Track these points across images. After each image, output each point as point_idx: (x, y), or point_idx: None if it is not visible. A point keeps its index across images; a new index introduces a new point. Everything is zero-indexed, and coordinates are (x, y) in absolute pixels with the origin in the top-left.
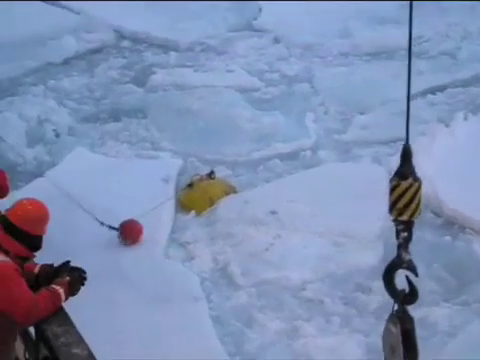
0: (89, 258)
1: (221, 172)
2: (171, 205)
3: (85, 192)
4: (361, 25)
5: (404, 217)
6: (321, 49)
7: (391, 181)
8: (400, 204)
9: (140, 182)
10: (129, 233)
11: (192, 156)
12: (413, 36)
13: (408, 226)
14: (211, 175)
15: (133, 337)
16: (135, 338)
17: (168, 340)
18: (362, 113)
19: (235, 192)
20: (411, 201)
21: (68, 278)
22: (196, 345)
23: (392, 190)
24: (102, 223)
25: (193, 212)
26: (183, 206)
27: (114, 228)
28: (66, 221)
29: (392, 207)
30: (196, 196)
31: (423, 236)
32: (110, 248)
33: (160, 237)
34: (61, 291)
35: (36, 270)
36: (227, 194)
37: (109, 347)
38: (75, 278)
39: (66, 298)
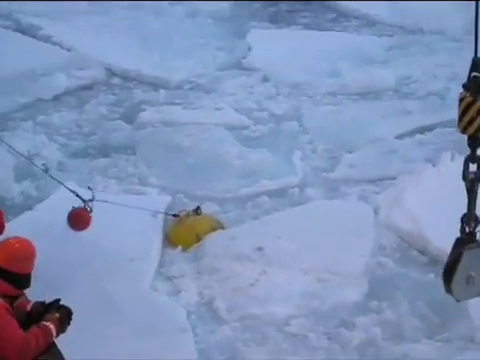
0: (78, 290)
1: (209, 208)
2: (159, 239)
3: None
4: (350, 65)
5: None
6: (310, 88)
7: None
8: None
9: (128, 217)
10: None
11: (180, 192)
12: (401, 77)
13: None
14: (197, 211)
15: None
16: None
17: None
18: (350, 152)
19: (222, 228)
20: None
21: (57, 315)
22: None
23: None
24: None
25: (180, 247)
26: (170, 241)
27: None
28: (54, 254)
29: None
30: (183, 232)
31: (408, 273)
32: (99, 280)
33: (148, 270)
34: (52, 327)
35: (28, 308)
36: (214, 230)
37: None
38: (64, 315)
39: (57, 334)
